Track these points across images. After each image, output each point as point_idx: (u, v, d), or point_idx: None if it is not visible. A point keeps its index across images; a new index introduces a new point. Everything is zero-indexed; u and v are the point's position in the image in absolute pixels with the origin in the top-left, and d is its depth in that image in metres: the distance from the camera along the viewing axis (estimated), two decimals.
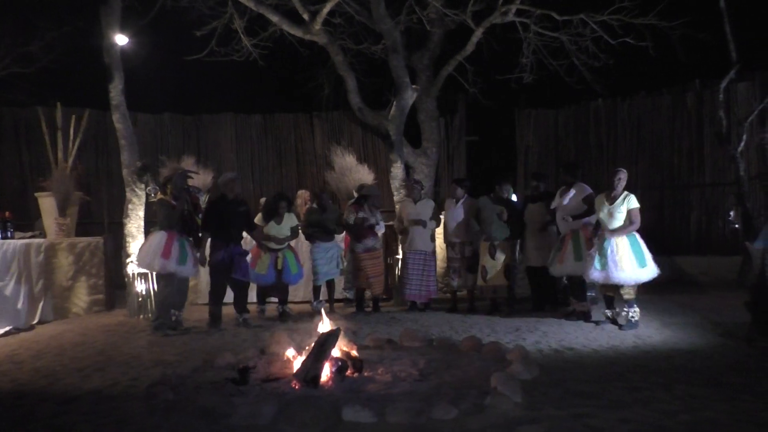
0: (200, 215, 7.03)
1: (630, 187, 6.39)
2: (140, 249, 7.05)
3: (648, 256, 6.10)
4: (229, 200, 6.97)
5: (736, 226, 9.21)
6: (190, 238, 6.91)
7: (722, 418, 3.56)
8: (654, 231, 6.48)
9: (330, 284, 7.86)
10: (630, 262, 6.03)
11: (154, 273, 7.28)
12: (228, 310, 7.12)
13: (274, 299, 7.66)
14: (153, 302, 7.63)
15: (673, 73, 10.38)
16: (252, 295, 7.67)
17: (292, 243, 7.67)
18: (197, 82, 12.44)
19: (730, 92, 9.53)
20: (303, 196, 9.37)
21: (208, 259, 6.96)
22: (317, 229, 7.60)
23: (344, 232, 7.85)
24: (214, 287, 6.92)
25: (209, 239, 6.96)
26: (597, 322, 6.46)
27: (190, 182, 7.14)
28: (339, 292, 8.28)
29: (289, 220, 7.53)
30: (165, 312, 6.74)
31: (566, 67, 9.50)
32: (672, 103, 10.58)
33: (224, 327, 6.83)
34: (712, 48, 9.14)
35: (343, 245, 8.01)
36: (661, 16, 8.52)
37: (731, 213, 9.31)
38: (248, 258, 7.21)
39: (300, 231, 7.79)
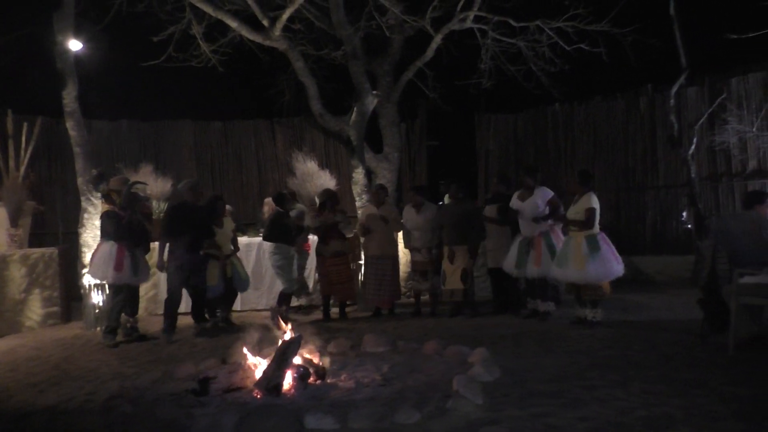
0: (151, 222, 6.98)
1: (589, 190, 6.52)
2: (91, 260, 6.94)
3: (606, 258, 6.23)
4: (190, 206, 6.86)
5: (689, 226, 9.49)
6: (140, 247, 6.85)
7: (677, 413, 3.66)
8: (611, 232, 6.62)
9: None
10: (582, 261, 6.17)
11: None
12: (184, 320, 7.01)
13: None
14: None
15: (626, 78, 10.65)
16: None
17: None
18: (155, 89, 12.23)
19: (681, 97, 9.82)
20: (270, 203, 9.30)
21: (166, 265, 6.83)
22: (282, 233, 7.54)
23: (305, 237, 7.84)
24: (171, 294, 6.80)
25: (167, 245, 6.81)
26: (543, 318, 6.57)
27: (141, 191, 7.04)
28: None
29: (229, 224, 7.44)
30: (114, 320, 6.69)
31: (524, 72, 9.67)
32: (626, 108, 10.85)
33: (180, 337, 6.70)
34: (663, 54, 9.43)
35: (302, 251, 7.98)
36: (613, 23, 8.75)
37: (684, 213, 9.60)
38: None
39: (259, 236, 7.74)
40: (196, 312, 6.92)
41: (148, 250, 7.14)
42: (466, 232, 7.24)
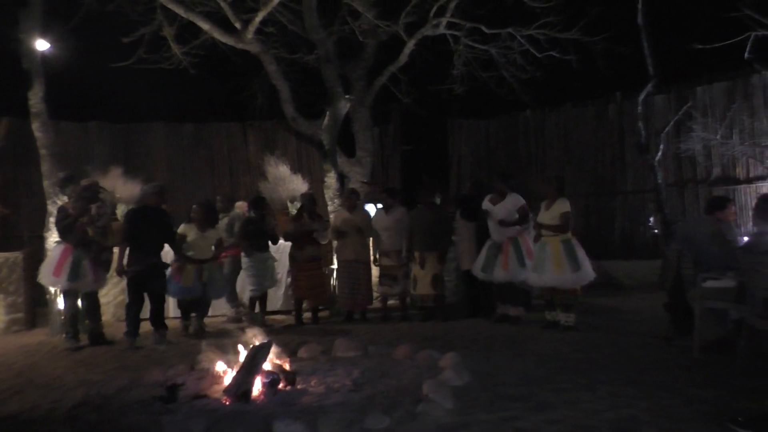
0: (100, 228, 6.84)
1: (563, 195, 6.61)
2: (43, 264, 6.85)
3: (580, 261, 6.31)
4: (151, 210, 6.74)
5: (656, 231, 9.68)
6: (91, 249, 6.71)
7: (643, 415, 3.72)
8: (582, 236, 6.72)
9: (263, 297, 7.73)
10: (561, 266, 6.24)
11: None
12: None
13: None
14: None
15: (596, 85, 10.84)
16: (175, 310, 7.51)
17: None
18: (126, 90, 12.05)
19: (648, 104, 10.03)
20: (242, 207, 9.22)
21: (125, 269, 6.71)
22: (252, 241, 7.48)
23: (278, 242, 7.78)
24: (131, 300, 6.66)
25: (128, 250, 6.67)
26: (514, 322, 6.64)
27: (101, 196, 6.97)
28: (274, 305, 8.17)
29: (215, 231, 7.37)
30: (72, 326, 6.62)
31: (496, 78, 9.78)
32: (596, 114, 11.05)
33: (148, 343, 6.60)
34: (631, 62, 9.62)
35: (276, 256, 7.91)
36: (584, 31, 8.90)
37: (651, 219, 9.79)
38: (169, 271, 6.96)
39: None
40: (154, 318, 6.73)
41: (98, 255, 6.84)
42: (436, 238, 7.28)
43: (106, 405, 4.28)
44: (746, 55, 7.72)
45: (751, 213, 6.24)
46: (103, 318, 7.13)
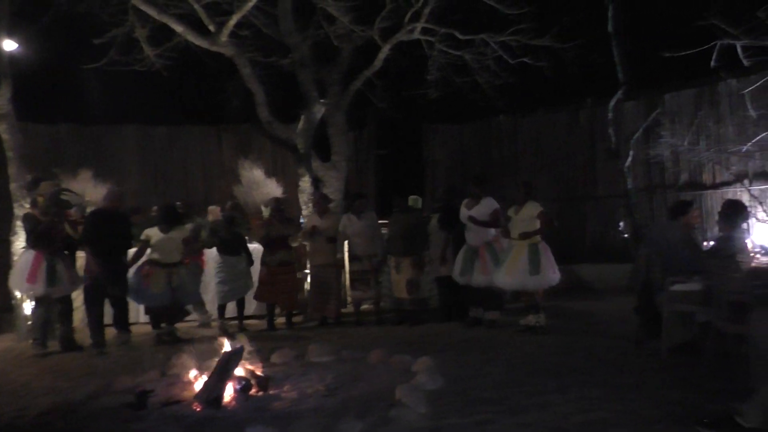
0: (76, 229, 6.76)
1: (531, 199, 6.69)
2: (12, 271, 6.74)
3: (543, 265, 6.39)
4: (110, 214, 6.62)
5: (626, 235, 9.84)
6: (64, 254, 6.62)
7: (612, 417, 3.78)
8: (553, 240, 6.80)
9: (240, 302, 7.67)
10: (515, 268, 6.32)
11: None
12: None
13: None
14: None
15: (568, 91, 10.99)
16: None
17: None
18: (97, 92, 11.86)
19: (619, 111, 10.20)
20: (214, 212, 9.14)
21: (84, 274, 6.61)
22: (222, 244, 7.42)
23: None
24: (90, 305, 6.57)
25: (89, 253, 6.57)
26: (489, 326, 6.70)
27: (74, 199, 6.88)
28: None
29: (180, 232, 7.18)
30: (41, 332, 6.52)
31: (470, 84, 9.86)
32: (567, 120, 11.19)
33: (119, 349, 6.52)
34: (602, 69, 9.79)
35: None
36: (555, 38, 9.02)
37: (621, 223, 9.95)
38: (130, 275, 6.86)
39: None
40: (117, 322, 6.64)
41: (72, 259, 6.81)
42: (411, 242, 7.31)
43: (74, 412, 4.22)
44: (713, 63, 7.91)
45: (716, 218, 6.38)
46: (73, 323, 7.01)
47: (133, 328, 7.11)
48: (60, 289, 6.61)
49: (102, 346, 6.46)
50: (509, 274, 6.39)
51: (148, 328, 7.23)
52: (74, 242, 6.81)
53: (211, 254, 7.85)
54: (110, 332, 6.75)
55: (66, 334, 6.74)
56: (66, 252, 6.76)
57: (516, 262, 6.34)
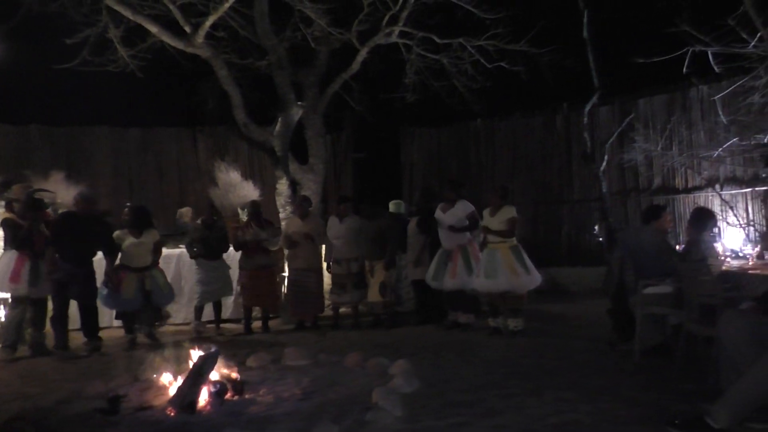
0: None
1: (508, 203, 6.73)
2: None
3: (529, 265, 6.46)
4: (80, 217, 6.50)
5: (600, 239, 9.97)
6: (43, 257, 6.49)
7: (585, 419, 3.81)
8: (529, 244, 6.86)
9: (217, 305, 7.60)
10: (514, 270, 6.36)
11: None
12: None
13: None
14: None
15: (544, 96, 11.10)
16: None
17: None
18: (69, 93, 11.66)
19: (594, 115, 10.34)
20: (187, 214, 9.04)
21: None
22: (200, 247, 7.35)
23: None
24: (55, 308, 6.48)
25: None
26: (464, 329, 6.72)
27: (48, 198, 6.78)
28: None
29: (151, 236, 7.05)
30: (13, 334, 6.43)
31: (447, 88, 9.91)
32: (543, 124, 11.31)
33: (91, 353, 6.42)
34: (577, 74, 9.91)
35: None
36: (531, 43, 9.13)
37: (596, 227, 10.07)
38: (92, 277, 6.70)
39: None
40: (85, 327, 6.53)
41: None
42: (382, 246, 7.32)
43: (43, 419, 4.13)
44: (685, 70, 8.05)
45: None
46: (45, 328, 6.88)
47: (106, 333, 7.01)
48: (42, 290, 6.51)
49: (64, 348, 6.36)
50: (500, 278, 6.38)
51: (121, 332, 7.12)
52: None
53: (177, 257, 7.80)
54: (80, 338, 6.64)
55: (37, 338, 6.62)
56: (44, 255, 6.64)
57: (510, 264, 6.37)
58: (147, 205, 7.99)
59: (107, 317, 7.43)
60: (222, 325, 7.67)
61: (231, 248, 7.75)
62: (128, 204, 8.05)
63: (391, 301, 7.44)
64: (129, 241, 6.88)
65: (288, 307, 7.81)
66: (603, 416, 3.86)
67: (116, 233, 7.01)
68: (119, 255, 6.87)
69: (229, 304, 8.22)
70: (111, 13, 8.70)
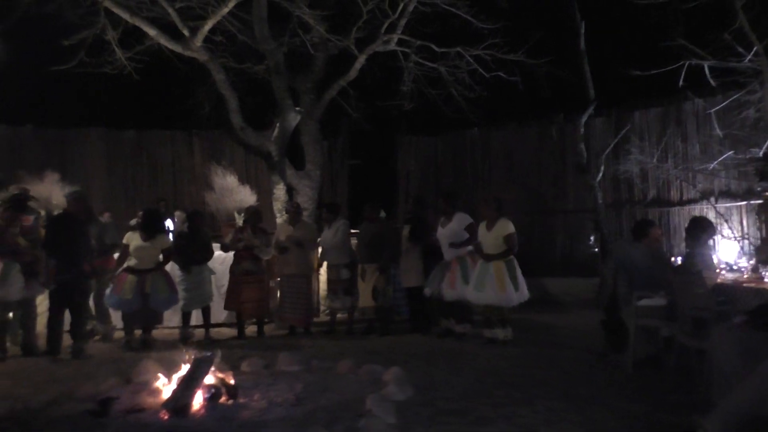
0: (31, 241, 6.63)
1: (503, 215, 6.73)
2: None
3: (519, 281, 6.46)
4: (74, 219, 6.49)
5: (595, 250, 9.99)
6: (22, 261, 6.46)
7: (576, 429, 3.82)
8: (523, 254, 6.86)
9: (205, 310, 7.56)
10: (503, 285, 6.36)
11: None
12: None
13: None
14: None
15: (540, 106, 11.16)
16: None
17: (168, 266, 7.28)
18: (64, 94, 11.64)
19: (589, 127, 10.39)
20: (180, 217, 9.02)
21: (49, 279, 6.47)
22: (178, 259, 7.30)
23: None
24: (50, 311, 6.44)
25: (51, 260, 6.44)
26: (459, 338, 6.74)
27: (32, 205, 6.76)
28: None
29: (162, 241, 7.07)
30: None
31: (444, 96, 9.94)
32: (539, 135, 11.36)
33: (85, 355, 6.38)
34: (573, 85, 9.98)
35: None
36: (528, 53, 9.18)
37: (591, 238, 10.10)
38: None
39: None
40: (73, 329, 6.49)
41: (31, 264, 6.58)
42: (377, 250, 7.32)
43: (32, 420, 4.11)
44: (680, 83, 8.11)
45: (683, 234, 6.53)
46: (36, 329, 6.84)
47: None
48: (13, 292, 6.40)
49: (56, 353, 6.33)
50: (489, 290, 6.38)
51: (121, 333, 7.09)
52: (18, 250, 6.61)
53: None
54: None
55: (28, 339, 6.60)
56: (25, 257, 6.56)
57: (500, 278, 6.36)
58: (158, 207, 7.96)
59: (113, 318, 7.40)
60: (215, 329, 7.63)
61: (222, 252, 7.74)
62: (163, 200, 7.96)
63: (383, 305, 7.42)
64: (137, 242, 6.89)
65: (280, 313, 7.77)
66: (593, 427, 3.87)
67: (127, 234, 7.06)
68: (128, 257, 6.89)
69: (222, 308, 8.19)
70: (108, 14, 8.69)
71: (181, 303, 7.28)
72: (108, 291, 6.84)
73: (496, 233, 6.48)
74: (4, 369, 5.95)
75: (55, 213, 7.22)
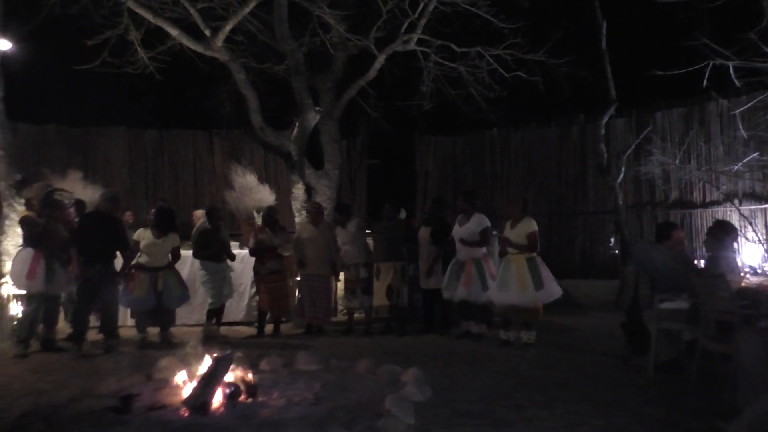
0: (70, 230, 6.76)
1: (527, 215, 6.68)
2: (11, 268, 6.78)
3: (545, 280, 6.38)
4: (103, 217, 6.61)
5: (616, 251, 9.88)
6: (62, 255, 6.62)
7: None
8: (543, 255, 6.80)
9: (220, 308, 7.61)
10: (524, 284, 6.31)
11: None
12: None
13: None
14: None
15: (560, 107, 11.07)
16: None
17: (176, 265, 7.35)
18: (87, 93, 11.79)
19: (610, 127, 10.29)
20: (201, 216, 9.06)
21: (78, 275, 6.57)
22: (208, 251, 7.37)
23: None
24: (79, 307, 6.56)
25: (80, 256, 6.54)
26: (476, 339, 6.70)
27: (67, 198, 6.86)
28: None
29: (173, 239, 7.12)
30: (26, 330, 6.51)
31: (464, 96, 9.90)
32: (559, 135, 11.27)
33: (103, 351, 6.48)
34: (594, 85, 9.88)
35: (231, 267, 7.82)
36: (549, 54, 9.11)
37: (612, 239, 9.99)
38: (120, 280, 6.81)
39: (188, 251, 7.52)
40: (104, 326, 6.62)
41: (68, 259, 6.74)
42: (393, 249, 7.32)
43: (55, 415, 4.16)
44: (704, 83, 7.99)
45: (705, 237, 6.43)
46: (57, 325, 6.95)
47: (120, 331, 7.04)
48: (56, 287, 6.66)
49: (80, 340, 6.44)
50: (512, 291, 6.34)
51: (134, 331, 7.15)
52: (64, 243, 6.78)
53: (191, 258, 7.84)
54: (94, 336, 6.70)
55: (48, 335, 6.73)
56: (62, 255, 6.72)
57: (522, 278, 6.32)
58: (170, 206, 8.06)
59: (120, 315, 7.47)
60: (233, 328, 7.69)
61: (240, 250, 7.80)
62: (163, 200, 8.10)
63: (398, 305, 7.41)
64: (148, 240, 6.95)
65: (299, 312, 7.81)
66: (614, 431, 3.82)
67: (138, 231, 7.12)
68: (138, 254, 6.95)
69: (241, 307, 8.26)
70: (131, 15, 8.80)
71: (209, 302, 7.35)
72: (120, 290, 6.88)
73: (519, 231, 6.46)
74: (28, 364, 6.06)
75: (88, 210, 7.35)
